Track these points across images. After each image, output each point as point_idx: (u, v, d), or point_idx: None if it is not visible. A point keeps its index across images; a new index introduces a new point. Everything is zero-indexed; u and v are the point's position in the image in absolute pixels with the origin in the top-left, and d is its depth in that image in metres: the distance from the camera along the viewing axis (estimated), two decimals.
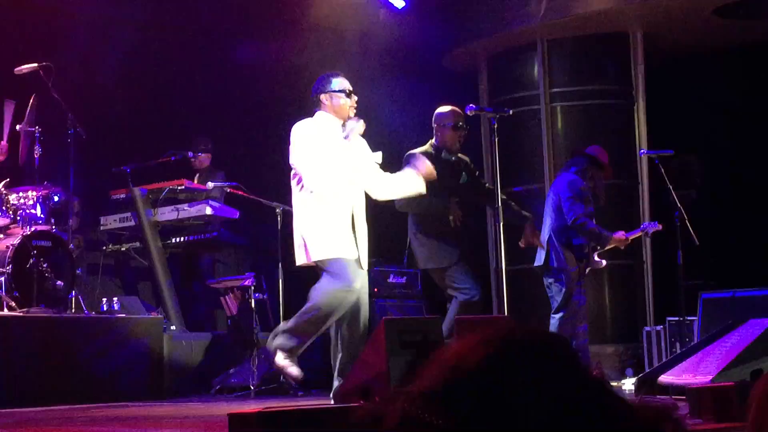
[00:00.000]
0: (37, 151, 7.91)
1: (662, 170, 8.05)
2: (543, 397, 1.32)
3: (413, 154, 7.04)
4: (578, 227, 7.47)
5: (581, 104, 10.40)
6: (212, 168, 9.75)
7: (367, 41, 10.19)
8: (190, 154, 9.23)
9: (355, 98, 6.07)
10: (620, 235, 7.61)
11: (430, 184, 6.93)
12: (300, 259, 6.04)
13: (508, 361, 1.36)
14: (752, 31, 10.45)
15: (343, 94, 6.01)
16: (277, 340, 5.96)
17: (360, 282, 5.94)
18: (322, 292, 5.89)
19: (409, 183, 6.19)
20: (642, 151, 9.60)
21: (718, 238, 9.72)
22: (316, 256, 5.94)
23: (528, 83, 10.53)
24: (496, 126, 6.49)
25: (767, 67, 10.56)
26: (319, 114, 6.06)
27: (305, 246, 5.96)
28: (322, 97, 6.04)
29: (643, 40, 10.29)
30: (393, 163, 6.60)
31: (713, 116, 10.84)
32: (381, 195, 6.25)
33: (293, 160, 5.97)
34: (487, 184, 7.64)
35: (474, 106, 6.76)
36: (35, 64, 7.92)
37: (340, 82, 6.06)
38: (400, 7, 10.19)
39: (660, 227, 7.91)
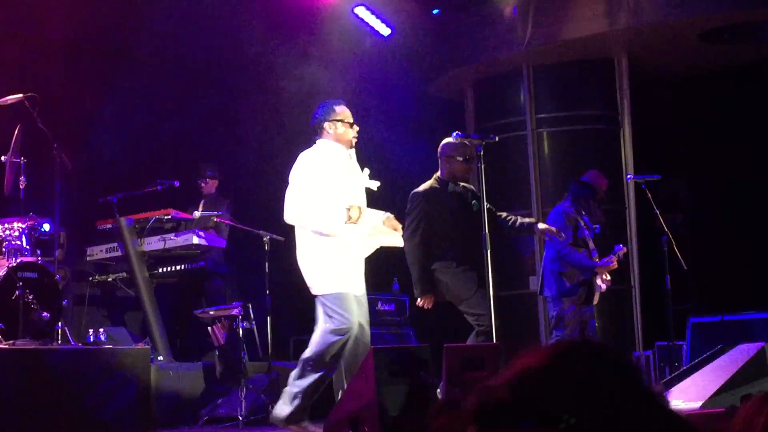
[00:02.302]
0: (23, 182, 7.86)
1: (649, 195, 8.06)
2: (597, 402, 1.44)
3: (417, 194, 6.97)
4: (563, 257, 7.58)
5: (567, 129, 10.43)
6: (218, 195, 9.73)
7: (353, 68, 10.20)
8: (176, 183, 9.18)
9: (357, 129, 6.05)
10: (603, 263, 7.64)
11: (434, 221, 6.90)
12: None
13: (568, 364, 1.49)
14: (736, 56, 10.51)
15: (346, 124, 6.00)
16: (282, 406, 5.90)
17: (358, 314, 5.92)
18: (320, 336, 5.88)
19: (388, 240, 6.21)
20: (629, 176, 9.61)
21: (705, 263, 9.73)
22: (315, 289, 5.94)
23: (514, 109, 10.56)
24: (482, 153, 6.47)
25: (752, 90, 10.61)
26: (321, 142, 6.02)
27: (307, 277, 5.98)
28: (326, 125, 6.01)
29: (628, 66, 10.33)
30: (381, 187, 6.56)
31: (699, 140, 10.88)
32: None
33: (288, 197, 5.93)
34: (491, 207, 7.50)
35: (460, 133, 6.70)
36: (20, 95, 7.89)
37: (342, 111, 6.04)
38: (385, 35, 10.22)
39: (625, 249, 7.89)
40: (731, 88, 10.74)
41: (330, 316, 5.85)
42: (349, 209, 5.80)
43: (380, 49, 10.34)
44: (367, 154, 6.25)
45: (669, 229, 8.04)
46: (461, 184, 7.15)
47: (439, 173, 7.04)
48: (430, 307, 6.94)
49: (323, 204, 5.81)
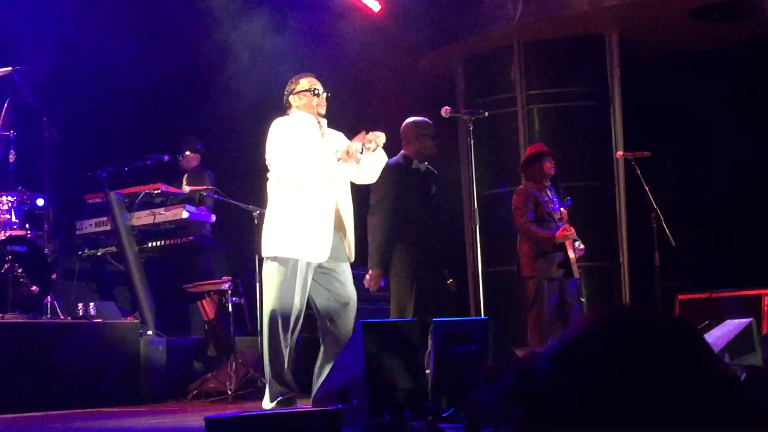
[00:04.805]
0: (12, 156, 7.84)
1: (638, 171, 8.07)
2: (645, 376, 1.37)
3: (385, 167, 6.98)
4: (523, 234, 7.50)
5: (557, 106, 10.43)
6: (200, 169, 9.73)
7: (343, 45, 10.17)
8: (166, 157, 9.18)
9: (325, 95, 6.03)
10: (560, 232, 7.52)
11: (401, 196, 6.88)
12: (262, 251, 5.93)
13: (609, 336, 1.43)
14: (727, 33, 10.51)
15: (309, 93, 6.02)
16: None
17: (307, 283, 5.82)
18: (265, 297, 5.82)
19: (376, 157, 6.09)
20: (618, 152, 9.62)
21: (694, 240, 9.76)
22: (268, 251, 5.83)
23: (504, 85, 10.54)
24: (471, 128, 6.48)
25: (742, 68, 10.62)
26: (293, 111, 6.06)
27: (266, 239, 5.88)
28: (291, 98, 6.07)
29: (618, 42, 10.33)
30: None
31: (689, 118, 10.88)
32: (364, 178, 6.15)
33: (267, 154, 5.91)
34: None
35: (450, 108, 6.70)
36: (9, 68, 7.86)
37: (308, 82, 6.07)
38: (376, 10, 10.19)
39: (569, 202, 7.79)
40: (721, 65, 10.74)
41: (271, 283, 5.76)
42: (337, 151, 5.81)
43: (370, 25, 10.30)
44: (355, 132, 6.19)
45: (658, 206, 8.05)
46: (425, 163, 7.15)
47: (404, 150, 7.08)
48: (376, 287, 6.92)
49: (309, 150, 5.80)
